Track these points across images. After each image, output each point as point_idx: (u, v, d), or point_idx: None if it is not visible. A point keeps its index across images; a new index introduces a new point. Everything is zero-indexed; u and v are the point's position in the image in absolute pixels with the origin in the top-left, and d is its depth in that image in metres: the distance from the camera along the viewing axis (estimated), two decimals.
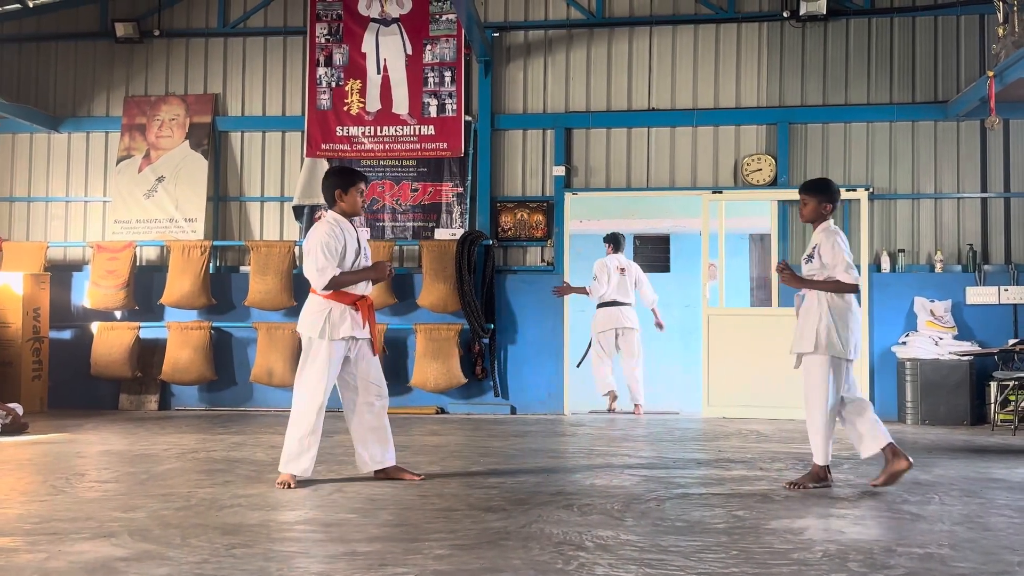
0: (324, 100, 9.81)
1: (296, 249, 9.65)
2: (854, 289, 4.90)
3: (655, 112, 9.59)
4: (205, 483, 5.05)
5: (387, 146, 9.71)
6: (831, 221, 5.12)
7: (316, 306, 5.00)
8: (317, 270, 4.91)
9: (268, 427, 8.04)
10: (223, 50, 10.10)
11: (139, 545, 3.54)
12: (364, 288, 5.08)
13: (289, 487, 4.82)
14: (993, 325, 8.92)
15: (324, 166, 9.72)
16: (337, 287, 4.94)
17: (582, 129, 9.68)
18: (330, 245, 4.93)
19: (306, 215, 9.76)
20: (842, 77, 9.39)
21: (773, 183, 9.29)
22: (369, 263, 5.13)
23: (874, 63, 9.36)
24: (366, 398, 5.15)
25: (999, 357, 8.51)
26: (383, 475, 5.12)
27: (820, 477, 4.94)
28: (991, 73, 7.78)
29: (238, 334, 9.68)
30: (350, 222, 5.10)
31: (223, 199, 10.02)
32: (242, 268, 9.85)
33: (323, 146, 9.77)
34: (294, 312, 9.48)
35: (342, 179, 5.12)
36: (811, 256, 5.03)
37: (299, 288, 9.51)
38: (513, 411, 9.39)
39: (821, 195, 5.07)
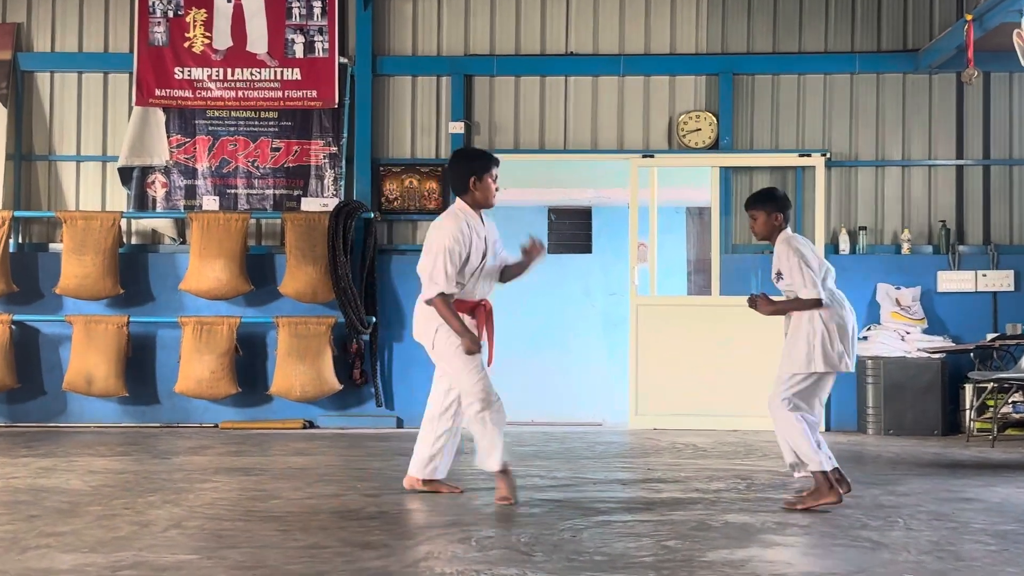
0: (159, 34, 9.55)
1: (123, 222, 9.39)
2: (817, 305, 5.30)
3: (574, 57, 9.65)
4: (3, 519, 4.89)
5: (240, 93, 9.53)
6: (788, 229, 5.50)
7: (428, 313, 5.30)
8: (430, 278, 5.17)
9: (86, 447, 7.81)
10: None
11: None
12: (484, 291, 5.39)
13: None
14: (969, 317, 9.30)
15: (159, 117, 9.52)
16: (436, 307, 5.19)
17: (485, 76, 9.66)
18: (455, 251, 5.14)
19: (136, 179, 9.51)
20: (795, 19, 9.61)
21: (714, 146, 9.47)
22: (497, 263, 5.41)
23: (833, 2, 9.61)
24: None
25: (975, 355, 8.88)
26: (431, 486, 5.55)
27: (826, 489, 5.11)
28: (969, 17, 8.06)
29: (47, 330, 9.40)
30: (479, 216, 5.32)
31: (27, 158, 9.69)
32: (52, 246, 9.56)
33: (158, 92, 9.53)
34: (119, 301, 9.27)
35: (480, 163, 5.30)
36: (779, 272, 5.41)
37: (127, 271, 9.27)
38: (399, 424, 9.35)
39: (769, 205, 5.47)
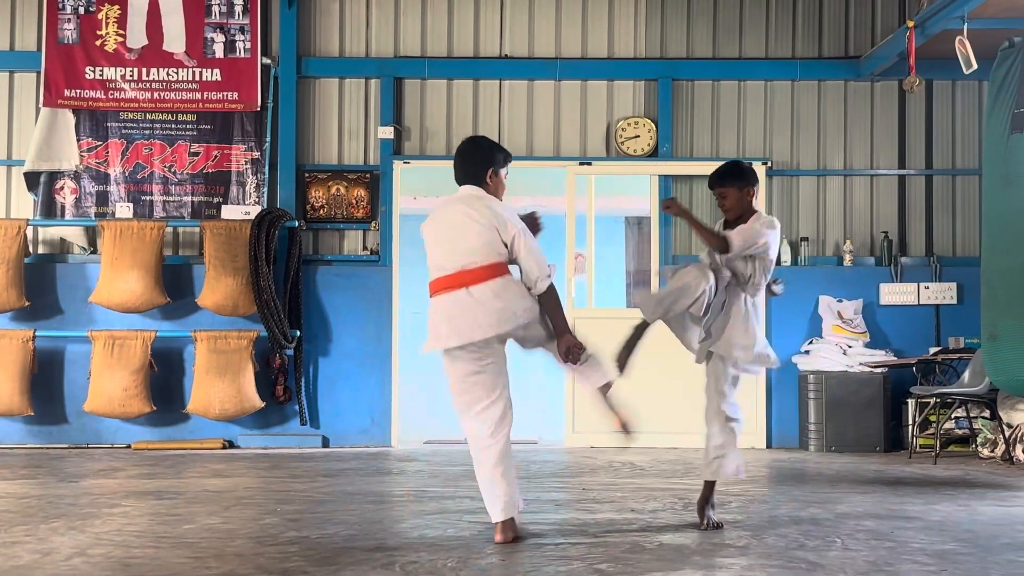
0: (69, 31, 9.42)
1: (30, 230, 9.23)
2: (724, 247, 5.05)
3: (509, 60, 9.69)
4: None
5: (156, 95, 9.44)
6: (762, 211, 5.29)
7: (522, 290, 4.85)
8: (544, 261, 4.82)
9: None
10: None
11: None
12: None
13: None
14: (911, 330, 9.49)
15: (68, 119, 9.41)
16: (548, 295, 4.86)
17: (416, 80, 9.67)
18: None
19: (43, 185, 9.36)
20: (736, 24, 9.76)
21: (653, 154, 9.56)
22: None
23: (774, 8, 9.77)
24: None
25: (918, 369, 9.05)
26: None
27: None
28: (911, 24, 8.25)
29: None
30: None
31: None
32: None
33: (67, 92, 9.41)
34: (25, 314, 9.10)
35: (503, 155, 5.00)
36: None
37: (33, 282, 9.10)
38: (325, 443, 9.29)
39: (740, 180, 5.19)
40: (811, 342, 9.32)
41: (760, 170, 9.48)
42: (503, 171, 5.00)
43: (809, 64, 9.69)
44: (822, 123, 9.72)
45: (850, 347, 9.17)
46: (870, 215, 9.71)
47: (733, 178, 5.20)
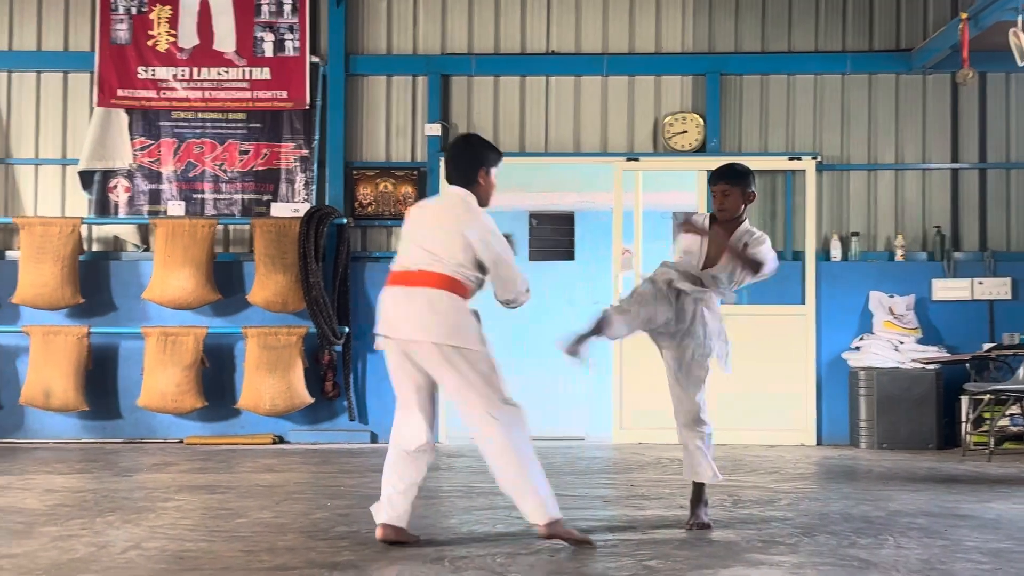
0: (121, 32, 9.53)
1: (84, 228, 9.36)
2: (762, 272, 5.09)
3: (555, 57, 9.68)
4: None
5: (207, 93, 9.53)
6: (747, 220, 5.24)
7: (462, 305, 4.64)
8: (519, 274, 4.67)
9: (44, 464, 7.76)
10: None
11: None
12: None
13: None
14: (965, 326, 9.36)
15: (121, 118, 9.51)
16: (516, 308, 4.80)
17: (463, 76, 9.69)
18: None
19: (97, 183, 9.48)
20: (785, 18, 9.68)
21: (701, 149, 9.51)
22: None
23: (824, 1, 9.67)
24: None
25: (972, 366, 8.92)
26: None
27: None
28: (964, 16, 8.14)
29: (3, 341, 9.39)
30: None
31: None
32: (9, 254, 9.54)
33: (120, 92, 9.51)
34: (79, 311, 9.23)
35: (494, 154, 4.84)
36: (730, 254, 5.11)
37: (88, 280, 9.23)
38: (373, 439, 9.34)
39: (743, 180, 5.14)
40: (862, 338, 9.23)
41: (810, 165, 9.42)
42: (494, 171, 4.85)
43: (860, 57, 9.59)
44: (873, 117, 9.62)
45: (902, 343, 9.08)
46: (922, 209, 9.59)
47: (740, 177, 5.14)
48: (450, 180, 4.83)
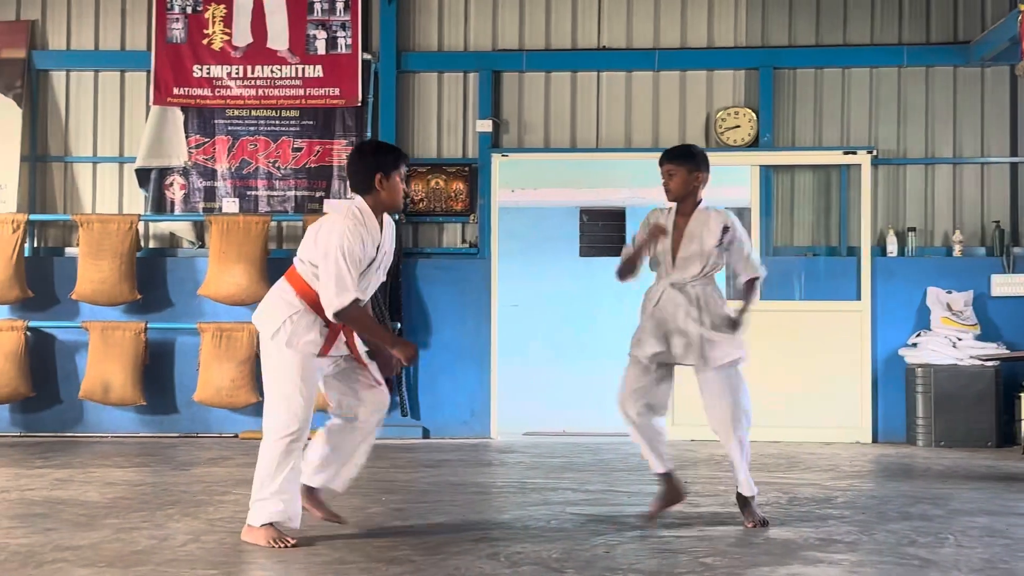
0: (177, 31, 9.64)
1: (141, 226, 9.49)
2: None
3: (607, 52, 9.65)
4: (18, 532, 4.94)
5: (261, 91, 9.61)
6: (706, 202, 5.29)
7: (283, 299, 4.80)
8: (337, 283, 4.61)
9: (104, 458, 7.88)
10: None
11: None
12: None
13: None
14: None
15: (177, 117, 9.61)
16: (345, 320, 4.68)
17: (514, 72, 9.69)
18: (354, 252, 4.63)
19: (154, 181, 9.60)
20: (840, 11, 9.58)
21: (754, 143, 9.45)
22: (384, 275, 4.94)
23: None
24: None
25: None
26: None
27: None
28: (1023, 7, 8.01)
29: (63, 336, 9.50)
30: (378, 219, 4.82)
31: (42, 159, 9.80)
32: (68, 250, 9.66)
33: (176, 91, 9.62)
34: (137, 307, 9.35)
35: (389, 158, 4.83)
36: (703, 244, 5.26)
37: (145, 276, 9.36)
38: (426, 434, 9.38)
39: (689, 161, 5.23)
40: (919, 335, 9.11)
41: (865, 159, 9.32)
42: (396, 173, 4.82)
43: (916, 50, 9.47)
44: (930, 110, 9.50)
45: (960, 339, 8.95)
46: (980, 204, 9.46)
47: (684, 159, 5.25)
48: (352, 190, 4.90)
